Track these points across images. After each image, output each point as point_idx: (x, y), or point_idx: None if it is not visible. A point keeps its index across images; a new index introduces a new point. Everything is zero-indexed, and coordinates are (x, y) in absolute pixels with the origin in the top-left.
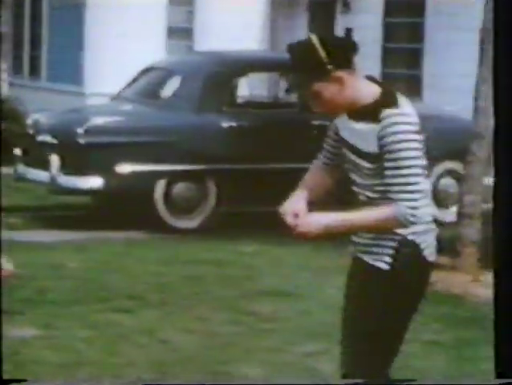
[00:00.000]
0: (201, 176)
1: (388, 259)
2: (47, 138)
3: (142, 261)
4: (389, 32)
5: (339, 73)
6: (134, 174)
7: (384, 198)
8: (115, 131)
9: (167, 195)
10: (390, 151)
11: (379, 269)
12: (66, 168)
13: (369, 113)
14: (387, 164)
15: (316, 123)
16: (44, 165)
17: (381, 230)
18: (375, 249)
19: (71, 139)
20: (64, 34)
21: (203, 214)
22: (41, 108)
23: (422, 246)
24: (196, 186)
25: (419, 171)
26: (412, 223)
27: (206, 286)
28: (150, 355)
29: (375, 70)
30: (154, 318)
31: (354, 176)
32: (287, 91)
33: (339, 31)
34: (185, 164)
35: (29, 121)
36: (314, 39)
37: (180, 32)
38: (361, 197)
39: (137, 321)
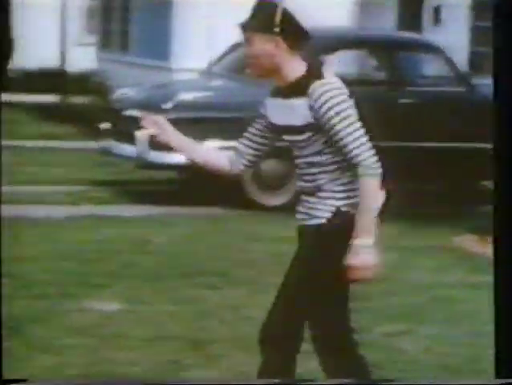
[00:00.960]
0: (290, 152)
1: (328, 214)
2: (135, 113)
3: (228, 238)
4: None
5: (280, 39)
6: (223, 149)
7: (321, 163)
8: (204, 107)
9: (255, 171)
10: (330, 118)
11: (317, 225)
12: (152, 143)
13: (297, 88)
14: (331, 132)
15: (404, 101)
16: (131, 140)
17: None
18: (318, 213)
19: (159, 114)
20: (153, 8)
21: (291, 191)
22: (129, 83)
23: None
24: (284, 163)
25: (359, 127)
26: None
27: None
28: (235, 332)
29: None
30: (239, 294)
31: (294, 151)
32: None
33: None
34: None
35: (116, 95)
36: (279, 5)
37: None
38: (301, 169)
39: (222, 297)
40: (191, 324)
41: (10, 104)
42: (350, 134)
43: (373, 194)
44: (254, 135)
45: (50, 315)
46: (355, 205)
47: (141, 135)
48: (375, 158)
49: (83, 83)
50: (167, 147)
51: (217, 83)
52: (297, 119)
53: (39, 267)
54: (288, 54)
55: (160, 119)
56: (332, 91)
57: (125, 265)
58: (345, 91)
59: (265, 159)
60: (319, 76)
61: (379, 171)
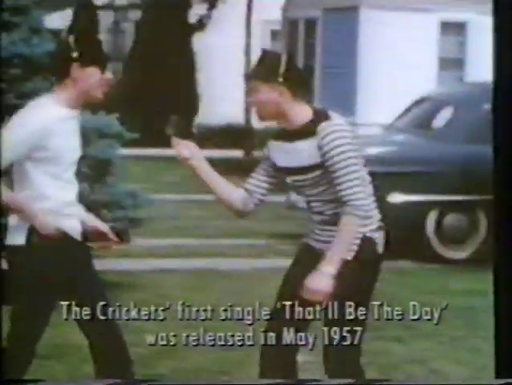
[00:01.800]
0: (473, 207)
1: (352, 252)
2: None
3: (414, 291)
4: None
5: (284, 88)
6: (406, 204)
7: (338, 199)
8: (388, 161)
9: (438, 225)
10: (331, 158)
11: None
12: None
13: (305, 131)
14: (331, 169)
15: None
16: None
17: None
18: None
19: None
20: (336, 65)
21: (474, 245)
22: None
23: (376, 241)
24: (467, 217)
25: (358, 172)
26: (366, 216)
27: (477, 317)
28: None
29: None
30: (426, 347)
31: (303, 191)
32: None
33: None
34: (457, 194)
35: None
36: (284, 56)
37: (452, 62)
38: (316, 204)
39: (409, 350)
40: (377, 377)
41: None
42: (345, 175)
43: (351, 230)
44: (262, 175)
45: (239, 366)
46: (377, 229)
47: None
48: (364, 201)
49: (267, 138)
50: None
51: (400, 137)
52: (304, 160)
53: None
54: (292, 101)
55: (192, 144)
56: (338, 132)
57: None
58: (350, 133)
59: (448, 213)
60: (327, 118)
61: (363, 214)
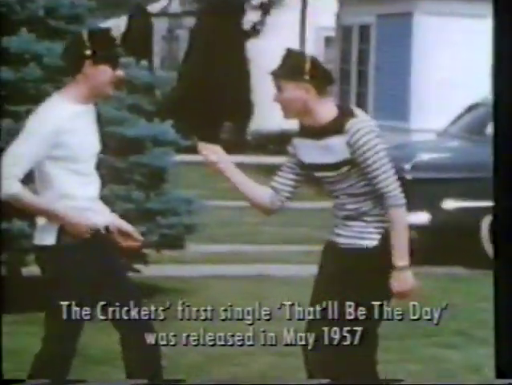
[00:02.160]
0: None
1: (375, 242)
2: None
3: (467, 297)
4: None
5: (309, 86)
6: (460, 210)
7: (363, 193)
8: (442, 168)
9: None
10: (363, 153)
11: (371, 248)
12: None
13: (333, 128)
14: (364, 164)
15: None
16: None
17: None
18: (363, 234)
19: (398, 174)
20: (390, 71)
21: None
22: None
23: None
24: None
25: (388, 162)
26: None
27: None
28: None
29: None
30: (481, 354)
31: (329, 186)
32: None
33: None
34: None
35: None
36: (308, 54)
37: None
38: (341, 199)
39: (464, 357)
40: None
41: (245, 165)
42: (379, 168)
43: (403, 219)
44: (288, 173)
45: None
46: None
47: None
48: (400, 189)
49: None
50: (406, 208)
51: (453, 143)
52: (333, 157)
53: (285, 326)
54: (318, 98)
55: (219, 148)
56: (367, 128)
57: None
58: (374, 126)
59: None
60: (352, 114)
61: (404, 201)
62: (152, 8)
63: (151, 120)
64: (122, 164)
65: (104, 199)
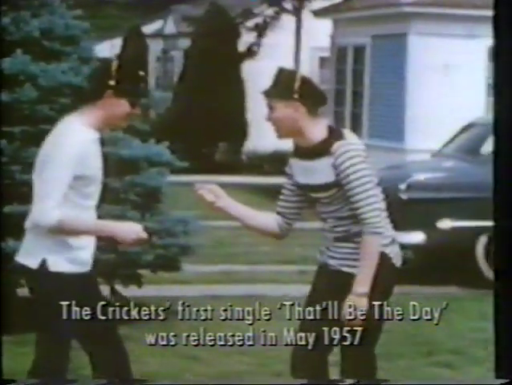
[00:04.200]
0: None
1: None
2: None
3: (464, 316)
4: None
5: (299, 104)
6: (455, 230)
7: (351, 216)
8: (437, 187)
9: (488, 251)
10: (346, 176)
11: (351, 274)
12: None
13: (321, 149)
14: (347, 187)
15: None
16: None
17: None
18: (355, 262)
19: (394, 194)
20: (385, 92)
21: None
22: None
23: (391, 255)
24: None
25: (372, 188)
26: (383, 232)
27: None
28: None
29: None
30: (478, 374)
31: (318, 207)
32: None
33: None
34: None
35: None
36: (299, 73)
37: None
38: (329, 221)
39: (461, 376)
40: None
41: (243, 186)
42: (360, 193)
43: (374, 249)
44: (289, 196)
45: None
46: (391, 243)
47: None
48: (380, 218)
49: None
50: (402, 228)
51: (448, 163)
52: (321, 178)
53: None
54: (308, 118)
55: (216, 187)
56: (353, 152)
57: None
58: (364, 152)
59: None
60: (341, 137)
61: (382, 230)
62: (147, 29)
63: (146, 141)
64: (117, 183)
65: (99, 218)
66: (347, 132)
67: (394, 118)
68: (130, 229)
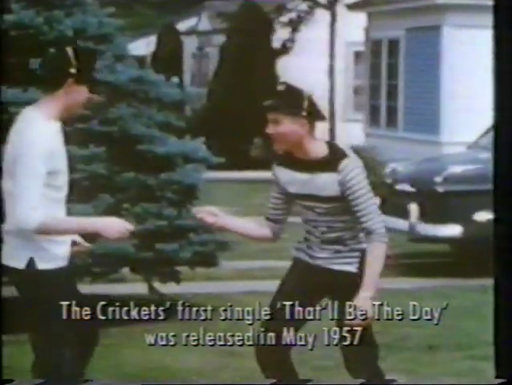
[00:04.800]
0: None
1: (356, 265)
2: (405, 187)
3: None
4: None
5: (307, 122)
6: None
7: (343, 227)
8: (473, 180)
9: None
10: (354, 192)
11: (347, 272)
12: (424, 217)
13: (325, 165)
14: (354, 202)
15: None
16: (403, 214)
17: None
18: (345, 260)
19: (430, 187)
20: (420, 84)
21: None
22: (398, 158)
23: None
24: None
25: (375, 201)
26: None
27: None
28: None
29: None
30: None
31: (309, 215)
32: None
33: None
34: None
35: (387, 170)
36: (306, 92)
37: None
38: (320, 229)
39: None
40: None
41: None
42: (367, 207)
43: (381, 257)
44: (278, 204)
45: None
46: None
47: (413, 208)
48: (385, 228)
49: None
50: (438, 221)
51: (484, 155)
52: (322, 191)
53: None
54: (309, 134)
55: (213, 208)
56: (358, 169)
57: (401, 338)
58: (362, 166)
59: None
60: (345, 155)
61: (387, 240)
62: (182, 26)
63: (181, 137)
64: (153, 181)
65: (136, 216)
66: (347, 150)
67: (429, 111)
68: (113, 224)
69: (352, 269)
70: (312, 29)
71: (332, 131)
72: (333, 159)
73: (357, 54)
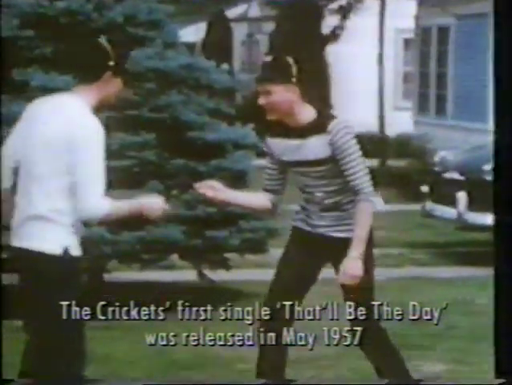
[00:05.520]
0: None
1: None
2: (454, 175)
3: None
4: None
5: (296, 88)
6: None
7: (339, 190)
8: None
9: None
10: (344, 151)
11: (348, 239)
12: (473, 205)
13: (315, 128)
14: (343, 162)
15: None
16: (451, 202)
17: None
18: (345, 227)
19: (479, 176)
20: (469, 72)
21: None
22: (447, 146)
23: None
24: None
25: (365, 162)
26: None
27: None
28: None
29: None
30: None
31: (305, 181)
32: None
33: None
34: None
35: (435, 158)
36: (292, 58)
37: None
38: (317, 194)
39: None
40: None
41: None
42: (357, 165)
43: (369, 215)
44: (273, 174)
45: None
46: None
47: (462, 197)
48: (372, 188)
49: (401, 146)
50: (487, 209)
51: None
52: (315, 155)
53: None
54: (301, 101)
55: (214, 182)
56: (348, 128)
57: (448, 327)
58: (354, 128)
59: None
60: (333, 116)
61: (374, 199)
62: (232, 13)
63: (232, 124)
64: (203, 168)
65: (186, 203)
66: (334, 113)
67: (478, 99)
68: (154, 204)
69: (349, 235)
70: (362, 16)
71: (382, 119)
72: (322, 121)
73: (406, 42)
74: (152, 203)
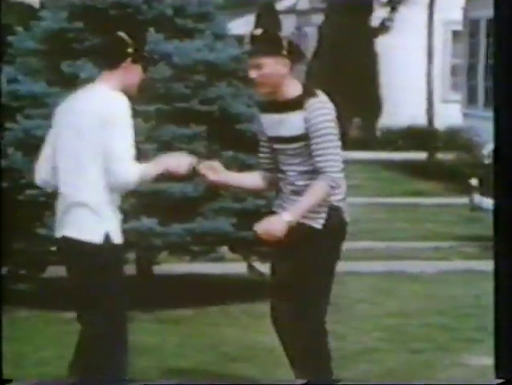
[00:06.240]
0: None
1: (321, 221)
2: None
3: None
4: None
5: (286, 60)
6: None
7: (312, 171)
8: None
9: None
10: (316, 130)
11: (314, 228)
12: None
13: (295, 103)
14: (313, 141)
15: None
16: None
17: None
18: (311, 214)
19: None
20: None
21: None
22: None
23: (344, 210)
24: None
25: (337, 145)
26: (337, 186)
27: None
28: None
29: None
30: None
31: (282, 159)
32: None
33: None
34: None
35: (484, 151)
36: (282, 32)
37: None
38: (290, 174)
39: None
40: None
41: (377, 161)
42: (325, 143)
43: (319, 194)
44: (264, 152)
45: (429, 369)
46: (343, 200)
47: None
48: (338, 174)
49: (449, 139)
50: None
51: None
52: (291, 131)
53: (416, 322)
54: (289, 74)
55: (214, 163)
56: (325, 109)
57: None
58: (333, 109)
59: None
60: (315, 94)
61: (334, 185)
62: (280, 6)
63: None
64: (252, 160)
65: (235, 195)
66: (320, 92)
67: None
68: (181, 159)
69: (317, 225)
70: (410, 8)
71: (430, 111)
72: (302, 97)
73: (455, 34)
74: (179, 159)
